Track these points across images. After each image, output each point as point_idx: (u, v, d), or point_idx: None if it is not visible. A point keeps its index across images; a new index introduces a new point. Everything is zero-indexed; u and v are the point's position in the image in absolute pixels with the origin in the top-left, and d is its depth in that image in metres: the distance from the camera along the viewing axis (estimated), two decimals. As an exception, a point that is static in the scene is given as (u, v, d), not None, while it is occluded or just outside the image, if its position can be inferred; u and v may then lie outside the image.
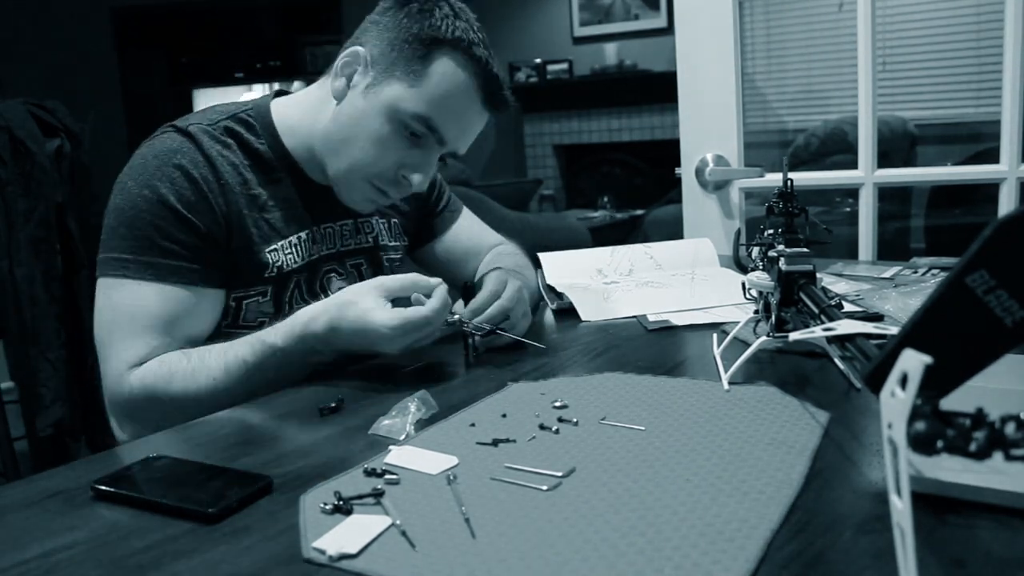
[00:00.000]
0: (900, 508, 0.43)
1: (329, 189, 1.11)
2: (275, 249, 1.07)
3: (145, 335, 0.98)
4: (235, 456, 0.74)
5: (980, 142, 2.53)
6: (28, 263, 2.21)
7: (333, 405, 0.85)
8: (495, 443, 0.71)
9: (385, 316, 0.91)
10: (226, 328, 1.06)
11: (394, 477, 0.65)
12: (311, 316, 0.95)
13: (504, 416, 0.78)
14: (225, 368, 0.96)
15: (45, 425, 2.22)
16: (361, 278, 1.14)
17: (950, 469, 0.58)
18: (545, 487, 0.62)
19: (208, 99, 5.52)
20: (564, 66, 5.78)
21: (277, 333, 0.96)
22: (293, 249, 1.09)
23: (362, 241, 1.19)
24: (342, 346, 0.95)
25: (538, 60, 5.81)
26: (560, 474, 0.64)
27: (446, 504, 0.61)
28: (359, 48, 1.06)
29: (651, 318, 1.15)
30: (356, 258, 1.18)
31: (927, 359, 0.41)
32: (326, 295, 1.08)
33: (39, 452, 2.31)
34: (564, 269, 1.37)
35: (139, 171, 1.02)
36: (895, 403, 0.43)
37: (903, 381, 0.42)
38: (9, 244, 2.20)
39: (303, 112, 1.11)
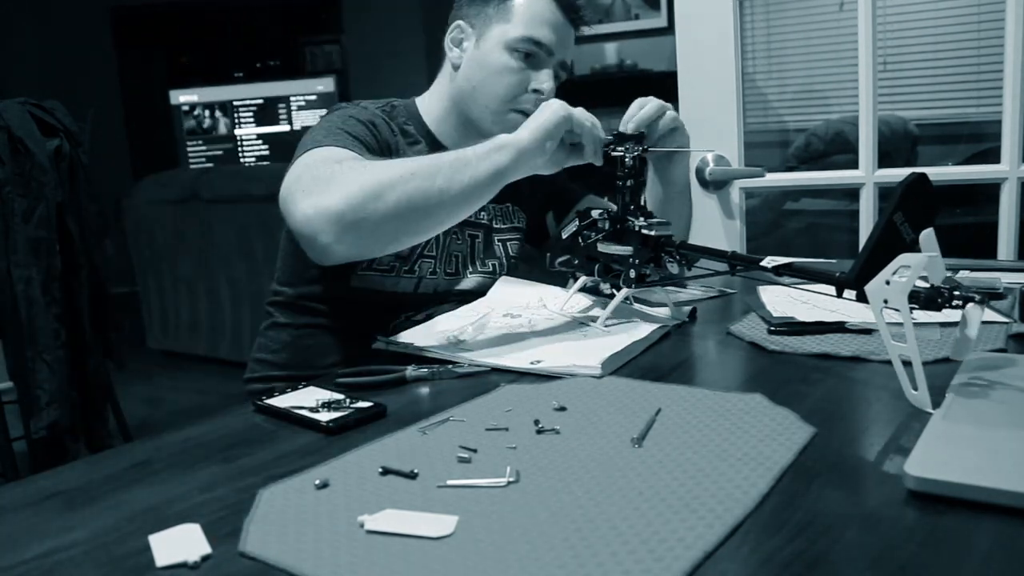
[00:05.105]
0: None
1: None
2: None
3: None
4: (235, 456, 0.74)
5: (981, 142, 2.52)
6: (27, 263, 2.20)
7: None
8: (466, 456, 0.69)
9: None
10: (361, 272, 1.20)
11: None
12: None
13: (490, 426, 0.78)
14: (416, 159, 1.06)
15: (39, 428, 2.21)
16: (473, 248, 1.32)
17: (950, 469, 0.58)
18: (488, 496, 0.61)
19: (208, 99, 5.52)
20: (564, 66, 5.77)
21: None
22: None
23: (481, 217, 1.34)
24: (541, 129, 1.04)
25: (538, 60, 5.80)
26: (503, 482, 0.63)
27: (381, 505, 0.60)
28: (459, 20, 1.28)
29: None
30: (475, 230, 1.33)
31: (927, 255, 0.75)
32: (445, 252, 1.27)
33: (38, 452, 2.31)
34: (509, 295, 1.24)
35: (323, 123, 1.18)
36: (893, 286, 0.73)
37: (895, 272, 0.73)
38: (7, 244, 2.19)
39: (436, 97, 1.31)
